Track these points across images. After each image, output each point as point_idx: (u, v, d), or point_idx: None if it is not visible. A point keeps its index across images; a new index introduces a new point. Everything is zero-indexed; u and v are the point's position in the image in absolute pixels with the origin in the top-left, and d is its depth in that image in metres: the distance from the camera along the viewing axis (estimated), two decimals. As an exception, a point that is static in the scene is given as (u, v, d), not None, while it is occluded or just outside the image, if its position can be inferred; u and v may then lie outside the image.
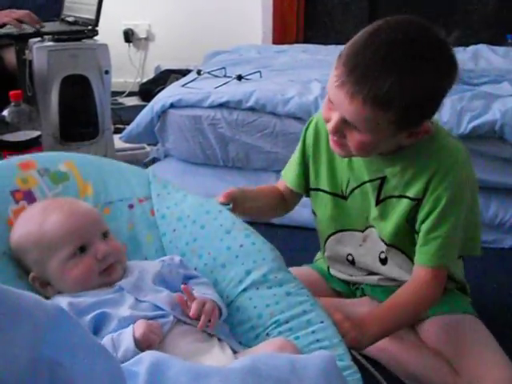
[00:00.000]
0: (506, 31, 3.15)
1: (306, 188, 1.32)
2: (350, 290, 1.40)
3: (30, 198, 1.09)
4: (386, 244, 1.24)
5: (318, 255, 1.48)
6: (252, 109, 2.05)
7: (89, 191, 1.15)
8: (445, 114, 1.88)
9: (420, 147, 1.14)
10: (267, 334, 1.00)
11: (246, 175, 2.13)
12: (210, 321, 0.95)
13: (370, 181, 1.21)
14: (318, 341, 0.97)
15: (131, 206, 1.17)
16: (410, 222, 1.19)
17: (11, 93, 1.83)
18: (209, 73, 2.35)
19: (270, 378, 0.70)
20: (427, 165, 1.14)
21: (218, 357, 0.89)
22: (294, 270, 1.10)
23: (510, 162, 1.88)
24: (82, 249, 0.99)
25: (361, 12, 3.45)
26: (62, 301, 0.94)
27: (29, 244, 1.00)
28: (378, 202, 1.21)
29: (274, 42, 3.54)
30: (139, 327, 0.87)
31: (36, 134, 1.85)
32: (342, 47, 2.83)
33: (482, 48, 2.76)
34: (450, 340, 1.23)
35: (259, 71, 2.32)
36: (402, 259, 1.25)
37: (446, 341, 1.23)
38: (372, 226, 1.26)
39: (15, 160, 1.15)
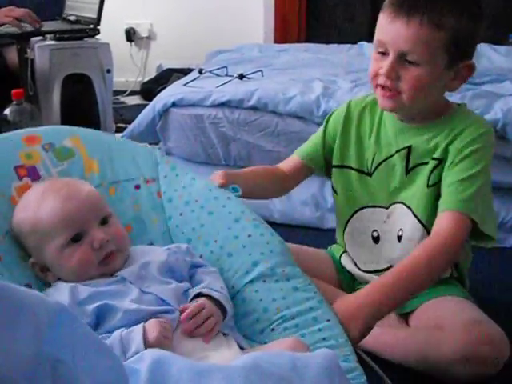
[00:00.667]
0: (508, 30, 3.15)
1: (319, 165, 1.36)
2: (353, 286, 1.38)
3: (33, 174, 1.06)
4: (413, 214, 1.24)
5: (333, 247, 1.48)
6: (254, 108, 2.04)
7: (94, 168, 1.12)
8: (447, 113, 1.88)
9: (449, 119, 1.21)
10: (272, 330, 0.99)
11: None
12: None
13: (397, 151, 1.25)
14: (324, 339, 0.96)
15: (137, 187, 1.14)
16: (434, 187, 1.20)
17: (13, 91, 1.84)
18: (210, 72, 2.35)
19: (272, 376, 0.70)
20: (453, 129, 1.19)
21: (224, 353, 0.89)
22: (310, 250, 1.12)
23: (512, 161, 1.88)
24: (78, 237, 0.95)
25: (363, 11, 3.45)
26: (64, 290, 0.92)
27: (26, 230, 0.97)
28: (407, 172, 1.25)
29: (276, 41, 3.54)
30: (152, 330, 0.85)
31: (38, 132, 1.85)
32: (343, 46, 2.83)
33: (484, 47, 2.75)
34: (437, 314, 1.22)
35: (261, 70, 2.32)
36: (418, 234, 1.24)
37: (434, 316, 1.22)
38: (397, 202, 1.27)
39: (20, 133, 1.12)
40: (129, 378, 0.64)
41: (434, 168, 1.20)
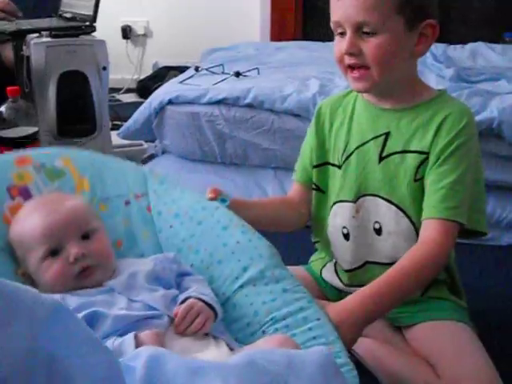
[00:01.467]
0: (503, 29, 3.16)
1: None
2: (341, 297, 1.35)
3: (25, 194, 1.08)
4: (395, 206, 1.19)
5: (313, 257, 1.46)
6: (250, 105, 2.05)
7: (85, 186, 1.15)
8: (443, 112, 1.89)
9: (428, 104, 1.16)
10: (263, 332, 0.99)
11: (244, 172, 2.13)
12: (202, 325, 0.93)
13: (373, 138, 1.20)
14: (314, 338, 0.97)
15: (127, 203, 1.16)
16: (420, 181, 1.15)
17: (8, 89, 1.83)
18: (207, 69, 2.35)
19: (267, 373, 0.70)
20: (435, 117, 1.14)
21: (213, 355, 0.89)
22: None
23: (508, 159, 1.88)
24: (56, 251, 0.97)
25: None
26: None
27: (15, 242, 1.01)
28: (380, 159, 1.19)
29: (272, 39, 3.54)
30: (146, 343, 0.84)
31: (33, 130, 1.84)
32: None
33: (480, 46, 2.76)
34: (434, 346, 1.18)
35: (257, 68, 2.32)
36: (403, 226, 1.19)
37: (430, 347, 1.18)
38: (366, 195, 1.22)
39: (11, 156, 1.15)
40: (124, 375, 0.64)
41: (422, 162, 1.15)
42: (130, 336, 0.86)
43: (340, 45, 1.13)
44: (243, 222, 1.12)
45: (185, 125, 2.12)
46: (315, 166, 1.30)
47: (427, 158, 1.14)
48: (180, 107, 2.12)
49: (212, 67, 2.36)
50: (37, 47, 2.10)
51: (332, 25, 1.15)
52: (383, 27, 1.08)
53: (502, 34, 3.13)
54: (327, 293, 1.36)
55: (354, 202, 1.24)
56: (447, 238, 1.10)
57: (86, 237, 0.99)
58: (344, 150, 1.24)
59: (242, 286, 1.04)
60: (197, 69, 2.36)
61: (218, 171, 2.13)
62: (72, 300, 0.93)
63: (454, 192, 1.10)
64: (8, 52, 2.35)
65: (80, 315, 0.89)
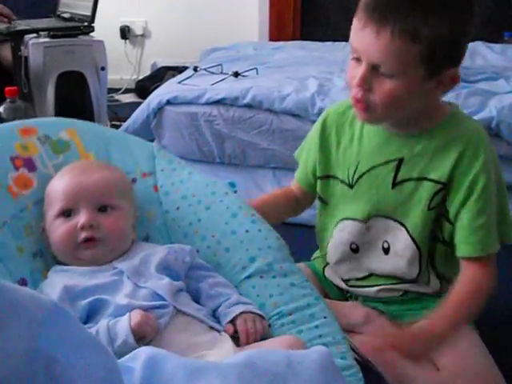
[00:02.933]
0: (502, 28, 3.16)
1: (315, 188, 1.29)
2: (344, 296, 1.32)
3: (30, 165, 1.06)
4: (406, 230, 1.17)
5: (316, 253, 1.46)
6: (248, 105, 2.04)
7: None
8: (441, 111, 1.88)
9: (442, 127, 1.11)
10: (269, 325, 0.98)
11: (243, 172, 2.13)
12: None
13: (386, 163, 1.15)
14: (320, 336, 0.96)
15: (134, 180, 1.13)
16: (434, 210, 1.13)
17: (7, 89, 1.83)
18: (205, 70, 2.34)
19: (266, 373, 0.70)
20: (452, 144, 1.10)
21: (219, 350, 0.88)
22: None
23: (506, 159, 1.88)
24: (69, 213, 0.98)
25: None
26: (57, 284, 0.92)
27: (45, 194, 1.02)
28: (394, 185, 1.15)
29: (271, 39, 3.53)
30: (135, 317, 0.85)
31: (32, 130, 1.84)
32: (338, 44, 2.81)
33: (479, 45, 2.76)
34: (439, 352, 1.15)
35: (256, 68, 2.32)
36: (410, 251, 1.18)
37: (438, 353, 1.15)
38: (379, 216, 1.19)
39: (15, 124, 1.11)
40: (123, 376, 0.64)
41: (438, 192, 1.11)
42: (126, 315, 0.86)
43: (354, 71, 1.06)
44: (253, 211, 1.10)
45: (183, 125, 2.12)
46: (319, 178, 1.27)
47: (443, 188, 1.11)
48: (178, 107, 2.12)
49: (210, 67, 2.36)
50: (35, 47, 2.10)
51: (350, 46, 1.07)
52: (401, 73, 1.02)
53: (501, 33, 3.12)
54: (329, 291, 1.35)
55: (366, 221, 1.21)
56: (492, 271, 1.13)
57: (103, 210, 0.99)
58: (355, 171, 1.19)
59: (249, 277, 1.03)
60: (195, 69, 2.36)
61: (217, 171, 2.13)
62: (78, 282, 0.92)
63: (488, 229, 1.10)
64: (6, 52, 2.35)
65: (83, 302, 0.89)
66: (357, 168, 1.19)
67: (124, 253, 1.00)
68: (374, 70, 1.02)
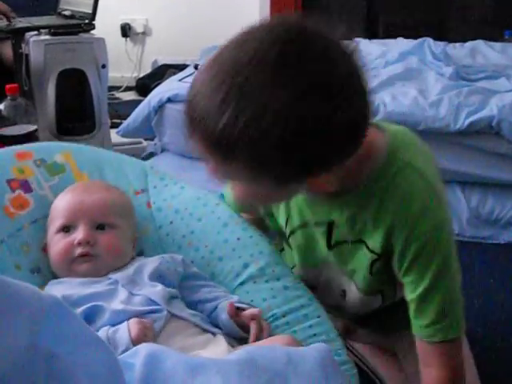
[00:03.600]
0: (503, 27, 3.15)
1: None
2: None
3: (26, 187, 1.08)
4: (354, 283, 1.03)
5: None
6: (249, 104, 2.04)
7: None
8: (442, 110, 1.88)
9: (373, 181, 0.87)
10: None
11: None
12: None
13: (316, 224, 0.98)
14: (315, 335, 0.97)
15: None
16: (375, 275, 0.97)
17: (7, 86, 1.82)
18: (206, 67, 2.34)
19: (266, 370, 0.70)
20: (382, 208, 0.87)
21: (213, 351, 0.89)
22: None
23: (507, 157, 1.88)
24: (68, 229, 1.00)
25: (359, 7, 3.45)
26: (55, 292, 0.93)
27: (50, 212, 1.05)
28: (330, 247, 0.99)
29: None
30: (134, 327, 0.86)
31: (32, 128, 1.84)
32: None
33: (480, 44, 2.75)
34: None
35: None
36: (359, 302, 1.05)
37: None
38: (326, 263, 1.03)
39: (12, 150, 1.14)
40: (124, 372, 0.64)
41: (375, 261, 0.94)
42: (124, 324, 0.87)
43: None
44: (243, 219, 1.12)
45: (184, 123, 2.11)
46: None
47: (380, 258, 0.93)
48: (179, 105, 2.11)
49: (211, 65, 2.35)
50: (36, 45, 2.10)
51: None
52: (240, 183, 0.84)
53: (501, 32, 3.12)
54: None
55: (316, 267, 1.06)
56: (452, 358, 0.92)
57: (101, 227, 1.01)
58: (286, 225, 1.03)
59: (242, 283, 1.04)
60: (196, 67, 2.36)
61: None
62: (75, 291, 0.94)
63: (450, 306, 0.90)
64: (7, 50, 2.35)
65: (80, 309, 0.90)
66: (287, 222, 1.03)
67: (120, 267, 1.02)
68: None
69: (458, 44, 2.77)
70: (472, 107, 1.88)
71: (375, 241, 0.91)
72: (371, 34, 3.22)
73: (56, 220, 1.01)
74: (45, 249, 1.03)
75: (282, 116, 0.69)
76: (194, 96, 0.78)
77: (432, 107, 1.90)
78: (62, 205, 1.03)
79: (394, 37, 2.85)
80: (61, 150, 1.17)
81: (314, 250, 1.02)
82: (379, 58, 2.49)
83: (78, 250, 0.98)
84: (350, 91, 0.72)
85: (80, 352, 0.56)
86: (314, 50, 0.72)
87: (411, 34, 2.80)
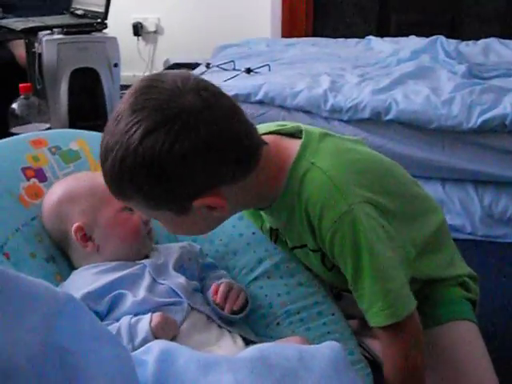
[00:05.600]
0: (517, 25, 3.13)
1: None
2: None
3: (40, 175, 1.07)
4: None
5: None
6: (261, 102, 2.04)
7: (100, 171, 1.13)
8: (455, 108, 1.87)
9: (287, 192, 0.92)
10: (278, 324, 0.99)
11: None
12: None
13: (269, 231, 1.07)
14: (328, 333, 0.97)
15: None
16: (332, 269, 0.99)
17: (21, 85, 1.84)
18: (218, 66, 2.34)
19: (278, 367, 0.70)
20: (299, 212, 0.92)
21: (228, 348, 0.89)
22: None
23: (520, 155, 1.87)
24: (129, 208, 1.00)
25: (371, 5, 3.44)
26: (90, 275, 0.95)
27: (80, 194, 1.01)
28: (291, 249, 1.04)
29: (283, 36, 3.53)
30: (155, 318, 0.87)
31: (45, 126, 1.85)
32: (351, 41, 2.81)
33: (493, 42, 2.73)
34: (437, 353, 1.04)
35: (268, 64, 2.32)
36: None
37: (433, 359, 1.04)
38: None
39: (26, 136, 1.13)
40: (136, 369, 0.65)
41: (323, 257, 0.98)
42: (148, 315, 0.87)
43: None
44: None
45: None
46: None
47: (323, 253, 0.96)
48: (191, 104, 2.12)
49: (223, 64, 2.36)
50: (49, 44, 2.11)
51: None
52: (154, 216, 0.90)
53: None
54: None
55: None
56: (402, 338, 0.91)
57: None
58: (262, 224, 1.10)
59: (256, 278, 1.04)
60: (208, 65, 2.36)
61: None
62: (108, 274, 0.94)
63: (389, 292, 0.89)
64: (21, 51, 2.36)
65: (107, 297, 0.91)
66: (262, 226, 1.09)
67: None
68: None
69: (470, 42, 2.75)
70: (485, 105, 1.87)
71: (310, 242, 0.95)
72: (383, 32, 3.20)
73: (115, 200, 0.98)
74: (81, 229, 0.99)
75: (137, 151, 0.78)
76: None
77: (444, 106, 1.89)
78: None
79: (407, 35, 2.84)
80: (76, 137, 1.15)
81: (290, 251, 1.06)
82: (391, 56, 2.48)
83: (147, 227, 1.01)
84: (192, 123, 0.79)
85: (93, 348, 0.57)
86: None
87: (423, 31, 2.79)
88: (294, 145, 0.93)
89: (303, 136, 0.94)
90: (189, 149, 0.78)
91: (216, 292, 0.96)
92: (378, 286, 0.89)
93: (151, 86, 0.81)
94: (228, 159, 0.83)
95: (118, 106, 0.82)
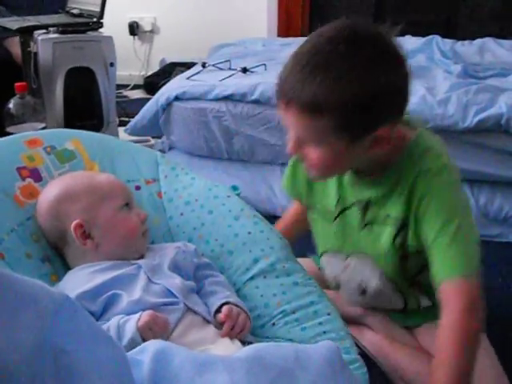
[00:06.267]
0: (512, 25, 3.14)
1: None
2: None
3: (36, 175, 1.07)
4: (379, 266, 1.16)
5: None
6: (257, 101, 2.04)
7: (95, 170, 1.13)
8: (450, 108, 1.88)
9: (399, 165, 1.06)
10: (273, 324, 0.99)
11: (251, 168, 2.13)
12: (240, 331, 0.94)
13: (356, 202, 1.14)
14: (324, 332, 0.97)
15: (138, 188, 1.14)
16: (397, 248, 1.10)
17: (16, 85, 1.84)
18: (214, 65, 2.34)
19: (274, 367, 0.70)
20: (408, 179, 1.05)
21: (224, 348, 0.89)
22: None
23: (516, 155, 1.87)
24: (128, 206, 1.02)
25: (366, 6, 3.44)
26: (85, 274, 0.95)
27: (79, 192, 1.01)
28: (364, 225, 1.14)
29: (279, 35, 3.53)
30: (144, 317, 0.86)
31: (41, 126, 1.85)
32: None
33: (489, 41, 2.74)
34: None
35: (264, 64, 2.32)
36: (387, 288, 1.18)
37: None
38: (356, 252, 1.19)
39: (21, 136, 1.13)
40: (132, 369, 0.64)
41: (399, 231, 1.08)
42: (137, 314, 0.87)
43: (288, 137, 1.04)
44: (255, 212, 1.11)
45: (192, 121, 2.12)
46: (307, 206, 1.27)
47: (405, 226, 1.07)
48: (187, 103, 2.12)
49: (219, 63, 2.35)
50: (44, 43, 2.11)
51: None
52: (320, 143, 0.98)
53: (510, 29, 3.10)
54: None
55: (345, 258, 1.21)
56: (470, 296, 0.98)
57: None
58: (335, 207, 1.18)
59: (252, 278, 1.04)
60: (204, 65, 2.36)
61: (225, 167, 2.13)
62: (103, 273, 0.94)
63: (454, 245, 1.00)
64: (17, 48, 2.36)
65: (102, 297, 0.91)
66: (336, 204, 1.17)
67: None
68: (299, 140, 1.01)
69: (466, 41, 2.76)
70: (480, 105, 1.87)
71: (401, 206, 1.07)
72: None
73: (115, 196, 1.01)
74: (80, 226, 0.99)
75: (358, 80, 0.93)
76: (285, 76, 0.99)
77: (440, 105, 1.89)
78: (115, 182, 1.04)
79: (402, 34, 2.84)
80: (71, 137, 1.16)
81: (349, 235, 1.16)
82: (387, 55, 2.48)
83: (144, 227, 1.03)
84: (402, 66, 0.97)
85: (88, 348, 0.57)
86: (368, 37, 0.96)
87: (419, 31, 2.79)
88: (409, 131, 1.09)
89: (415, 127, 1.11)
90: (401, 85, 0.97)
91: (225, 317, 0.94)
92: (464, 240, 1.01)
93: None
94: (403, 105, 1.00)
95: None
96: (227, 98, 2.07)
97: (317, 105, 0.93)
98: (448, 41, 2.64)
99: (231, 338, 0.92)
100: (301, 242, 1.32)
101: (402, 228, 1.08)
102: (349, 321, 1.15)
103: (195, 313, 0.94)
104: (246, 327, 0.94)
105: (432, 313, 1.15)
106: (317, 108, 0.94)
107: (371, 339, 1.25)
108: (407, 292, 1.19)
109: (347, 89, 0.92)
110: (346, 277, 1.22)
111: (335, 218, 1.18)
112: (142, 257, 1.01)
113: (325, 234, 1.23)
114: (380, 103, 0.95)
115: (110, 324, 0.87)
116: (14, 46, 2.40)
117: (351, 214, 1.15)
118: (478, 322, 0.99)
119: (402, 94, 0.99)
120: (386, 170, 1.07)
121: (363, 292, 1.21)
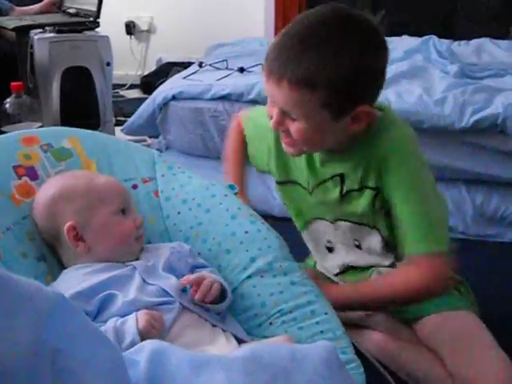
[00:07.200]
0: (509, 25, 3.14)
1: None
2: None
3: (32, 174, 1.07)
4: (357, 224, 1.23)
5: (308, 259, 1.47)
6: (254, 101, 2.04)
7: (92, 169, 1.13)
8: (447, 108, 1.88)
9: (369, 139, 1.13)
10: (270, 323, 0.99)
11: (247, 168, 2.13)
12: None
13: (332, 177, 1.19)
14: (321, 332, 0.97)
15: (135, 187, 1.14)
16: (378, 209, 1.17)
17: (12, 84, 1.84)
18: (210, 65, 2.34)
19: (271, 367, 0.70)
20: (376, 151, 1.12)
21: (222, 347, 0.89)
22: None
23: (512, 155, 1.88)
24: (124, 211, 1.02)
25: (363, 6, 3.44)
26: (79, 275, 0.94)
27: (76, 193, 1.00)
28: (342, 197, 1.20)
29: (276, 35, 3.53)
30: (141, 319, 0.86)
31: (37, 125, 1.85)
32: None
33: (485, 42, 2.74)
34: (444, 339, 1.19)
35: (261, 64, 2.31)
36: (376, 239, 1.23)
37: (440, 340, 1.19)
38: (341, 220, 1.24)
39: (17, 134, 1.12)
40: (128, 369, 0.64)
41: (375, 196, 1.15)
42: (133, 315, 0.87)
43: (270, 110, 1.10)
44: (251, 211, 1.11)
45: (188, 120, 2.12)
46: (279, 183, 1.31)
47: (379, 192, 1.14)
48: (184, 103, 2.12)
49: (216, 63, 2.35)
50: (40, 43, 2.11)
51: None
52: (306, 118, 1.05)
53: (507, 29, 3.11)
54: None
55: (333, 222, 1.26)
56: (433, 273, 1.09)
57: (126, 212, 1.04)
58: (309, 181, 1.24)
59: (249, 277, 1.03)
60: (200, 64, 2.36)
61: (222, 167, 2.13)
62: (97, 274, 0.94)
63: (420, 220, 1.10)
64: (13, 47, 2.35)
65: (97, 297, 0.90)
66: (310, 179, 1.23)
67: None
68: (284, 114, 1.06)
69: (463, 42, 2.76)
70: (477, 105, 1.87)
71: (374, 176, 1.13)
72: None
73: (113, 201, 1.01)
74: (74, 228, 0.98)
75: (350, 58, 1.00)
76: (277, 54, 1.03)
77: (437, 105, 1.90)
78: (113, 186, 1.03)
79: (399, 34, 2.85)
80: (68, 135, 1.15)
81: (330, 205, 1.22)
82: (384, 55, 2.48)
83: (138, 232, 1.02)
84: (385, 49, 1.09)
85: (84, 348, 0.56)
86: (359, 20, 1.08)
87: (416, 31, 2.80)
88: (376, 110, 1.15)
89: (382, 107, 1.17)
90: (383, 67, 1.08)
91: (186, 280, 0.95)
92: (428, 216, 1.10)
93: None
94: (383, 85, 1.09)
95: None
96: (224, 98, 2.07)
97: (311, 80, 1.00)
98: (445, 41, 2.64)
99: (198, 297, 0.93)
100: (297, 246, 1.33)
101: (377, 194, 1.15)
102: (351, 324, 1.17)
103: (191, 312, 0.93)
104: (212, 289, 0.95)
105: (433, 304, 1.20)
106: (310, 83, 1.00)
107: (376, 339, 1.26)
108: (395, 251, 1.22)
109: (339, 65, 1.00)
110: (339, 237, 1.27)
111: (312, 191, 1.23)
112: (136, 259, 1.01)
113: (308, 205, 1.28)
114: (367, 80, 1.05)
115: (107, 328, 0.86)
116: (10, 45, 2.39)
117: (327, 189, 1.21)
118: (424, 297, 1.15)
119: (383, 75, 1.09)
120: (354, 144, 1.13)
121: (359, 247, 1.25)
